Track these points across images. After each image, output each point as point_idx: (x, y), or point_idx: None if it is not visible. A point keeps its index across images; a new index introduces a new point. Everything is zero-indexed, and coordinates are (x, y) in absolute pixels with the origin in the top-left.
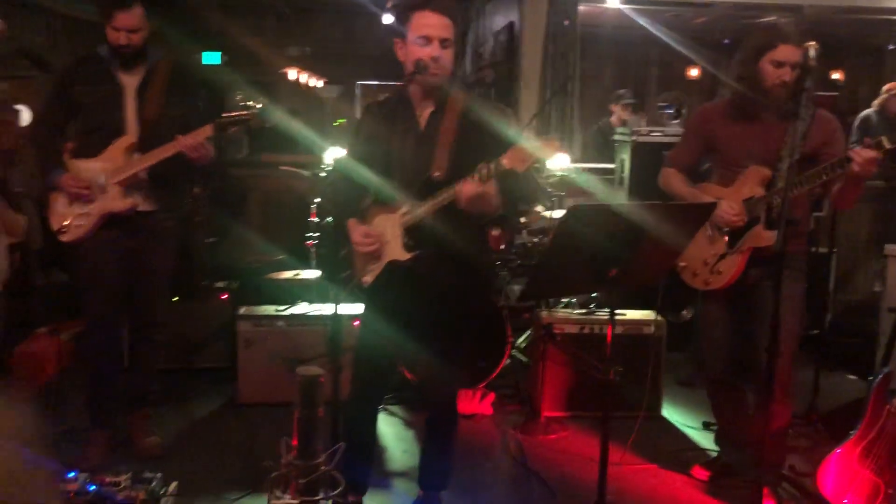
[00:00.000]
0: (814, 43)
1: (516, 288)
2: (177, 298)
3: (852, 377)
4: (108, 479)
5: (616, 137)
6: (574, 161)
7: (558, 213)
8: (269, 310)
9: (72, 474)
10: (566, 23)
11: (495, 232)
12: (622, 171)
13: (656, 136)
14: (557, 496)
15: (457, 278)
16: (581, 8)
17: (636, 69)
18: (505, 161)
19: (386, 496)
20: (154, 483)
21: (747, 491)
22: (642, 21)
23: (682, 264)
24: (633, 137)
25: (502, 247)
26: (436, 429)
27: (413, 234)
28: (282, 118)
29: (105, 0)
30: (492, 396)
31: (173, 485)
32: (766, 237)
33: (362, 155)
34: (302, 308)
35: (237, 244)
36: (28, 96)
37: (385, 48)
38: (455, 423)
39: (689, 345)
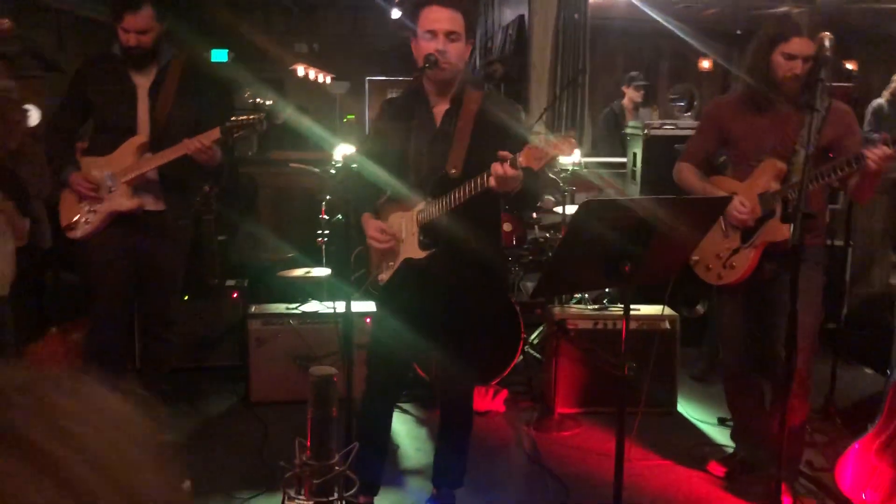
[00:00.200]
0: (828, 34)
1: (529, 285)
2: (187, 297)
3: (869, 371)
4: None
5: (628, 131)
6: (585, 155)
7: (570, 209)
8: (280, 308)
9: None
10: (576, 16)
11: (507, 228)
12: (634, 165)
13: (669, 130)
14: (571, 493)
15: (472, 276)
16: (591, 0)
17: (647, 62)
18: (521, 159)
19: (399, 495)
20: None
21: (765, 487)
22: (653, 13)
23: (695, 258)
24: (646, 131)
25: (514, 242)
26: (450, 426)
27: (428, 232)
28: (291, 115)
29: (114, 1)
30: (505, 393)
31: (186, 484)
32: (781, 231)
33: (376, 152)
34: (313, 306)
35: (247, 242)
36: (36, 96)
37: (393, 43)
38: (470, 420)
39: (703, 340)
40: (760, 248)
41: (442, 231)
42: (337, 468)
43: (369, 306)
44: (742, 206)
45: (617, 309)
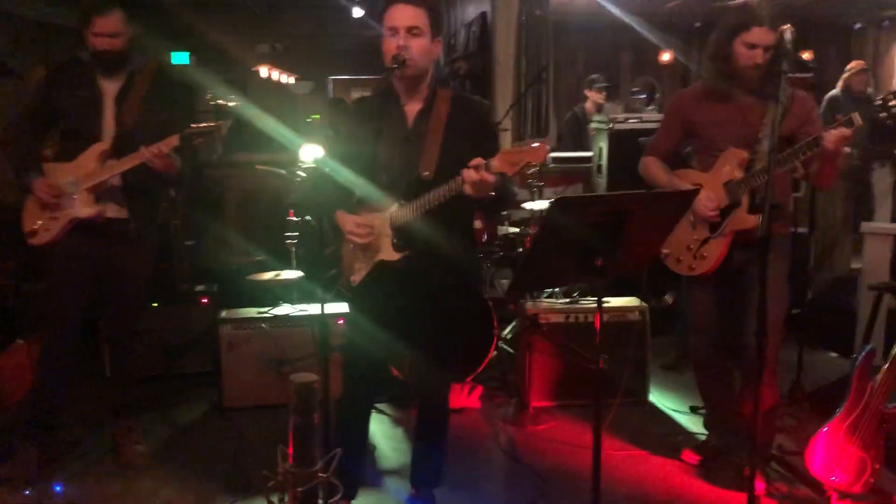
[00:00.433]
0: (789, 26)
1: (504, 281)
2: (156, 304)
3: (834, 354)
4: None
5: (593, 125)
6: (550, 151)
7: (539, 204)
8: (252, 312)
9: (58, 488)
10: (538, 12)
11: (477, 225)
12: (600, 159)
13: (633, 123)
14: (549, 487)
15: (445, 276)
16: None
17: (608, 56)
18: (495, 163)
19: (378, 495)
20: None
21: (738, 473)
22: (612, 8)
23: (666, 251)
24: (611, 125)
25: (485, 239)
26: (427, 425)
27: (402, 234)
28: (255, 116)
29: (84, 5)
30: (480, 389)
31: (162, 493)
32: (749, 219)
33: (346, 153)
34: (284, 309)
35: (216, 247)
36: None
37: (357, 42)
38: (446, 419)
39: (672, 329)
40: (729, 236)
41: (416, 233)
42: (321, 475)
43: (342, 308)
44: (709, 202)
45: (588, 302)
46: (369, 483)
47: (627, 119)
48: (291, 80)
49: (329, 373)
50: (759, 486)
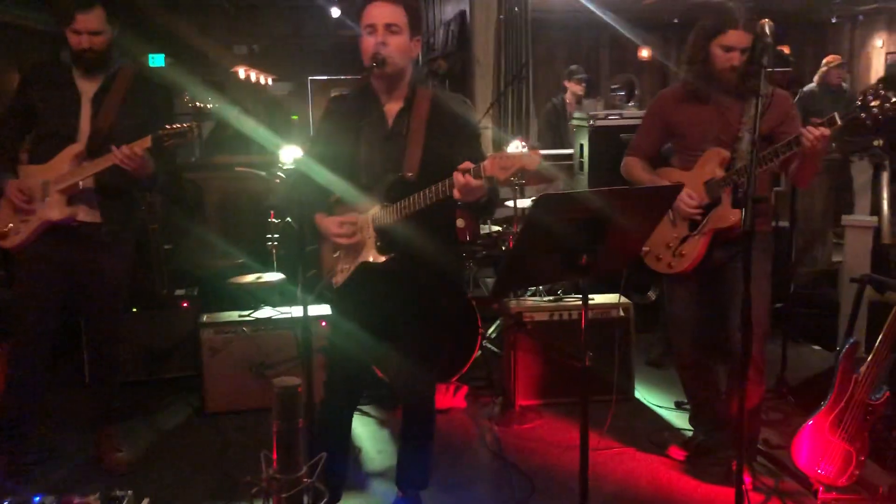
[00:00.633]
0: (768, 20)
1: (488, 280)
2: (136, 309)
3: (817, 347)
4: (76, 501)
5: (574, 123)
6: (531, 148)
7: (522, 202)
8: (233, 316)
9: (37, 499)
10: (517, 9)
11: (460, 223)
12: (581, 157)
13: (614, 120)
14: (536, 486)
15: (429, 276)
16: None
17: (588, 53)
18: (486, 167)
19: (364, 498)
20: (125, 501)
21: (725, 468)
22: (591, 5)
23: (646, 249)
24: (591, 122)
25: (468, 238)
26: (412, 427)
27: (385, 235)
28: (234, 118)
29: (65, 2)
30: (465, 389)
31: (145, 501)
32: (728, 218)
33: (325, 153)
34: (266, 312)
35: (196, 250)
36: None
37: (335, 42)
38: (432, 420)
39: (656, 325)
40: (709, 235)
41: (399, 234)
42: (305, 480)
43: (324, 310)
44: (690, 199)
45: (572, 300)
46: (355, 485)
47: (608, 116)
48: (270, 81)
49: (313, 376)
50: (746, 480)
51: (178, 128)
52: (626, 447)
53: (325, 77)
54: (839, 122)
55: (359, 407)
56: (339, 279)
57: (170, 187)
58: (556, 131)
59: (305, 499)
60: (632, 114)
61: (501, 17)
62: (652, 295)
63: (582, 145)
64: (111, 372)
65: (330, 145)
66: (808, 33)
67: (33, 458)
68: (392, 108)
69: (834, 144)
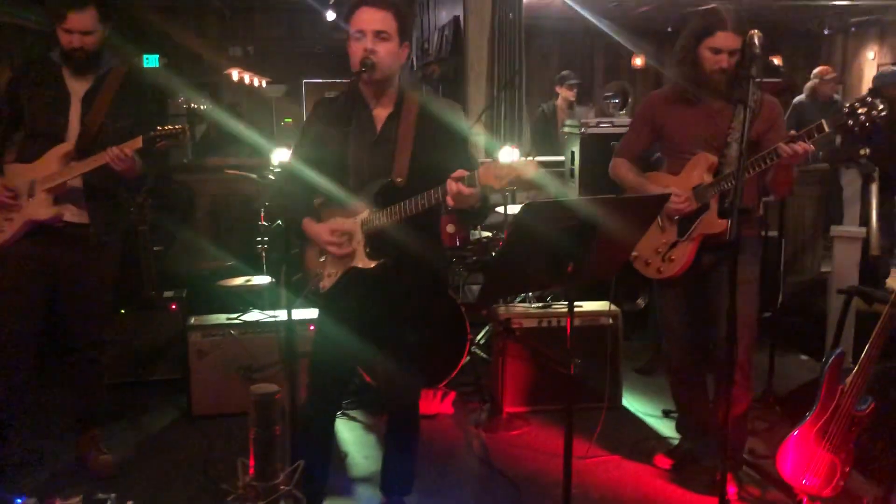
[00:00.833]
0: (757, 31)
1: (475, 287)
2: (124, 311)
3: (804, 357)
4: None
5: (565, 130)
6: (525, 155)
7: (512, 209)
8: (221, 318)
9: (19, 501)
10: (511, 15)
11: (450, 229)
12: (572, 164)
13: (605, 128)
14: (522, 493)
15: (417, 281)
16: (525, 0)
17: (582, 60)
18: (481, 175)
19: (348, 503)
20: None
21: (710, 477)
22: (585, 12)
23: (634, 254)
24: (582, 129)
25: (458, 244)
26: (398, 432)
27: (375, 240)
28: (226, 120)
29: (57, 0)
30: (452, 395)
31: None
32: (717, 223)
33: (312, 157)
34: (254, 315)
35: (185, 252)
36: None
37: (329, 45)
38: (417, 425)
39: (645, 333)
40: (697, 240)
41: (389, 240)
42: (283, 487)
43: (313, 314)
44: (677, 198)
45: (560, 306)
46: (340, 490)
47: (599, 123)
48: (263, 83)
49: (297, 380)
50: (731, 489)
51: (169, 129)
52: (612, 455)
53: (319, 80)
54: (826, 129)
55: (345, 411)
56: (327, 284)
57: (160, 189)
58: (543, 136)
59: None
60: (622, 122)
61: (495, 22)
62: (641, 302)
63: (573, 152)
64: (96, 375)
65: (317, 148)
66: (800, 44)
67: (17, 460)
68: (381, 113)
69: (821, 154)
